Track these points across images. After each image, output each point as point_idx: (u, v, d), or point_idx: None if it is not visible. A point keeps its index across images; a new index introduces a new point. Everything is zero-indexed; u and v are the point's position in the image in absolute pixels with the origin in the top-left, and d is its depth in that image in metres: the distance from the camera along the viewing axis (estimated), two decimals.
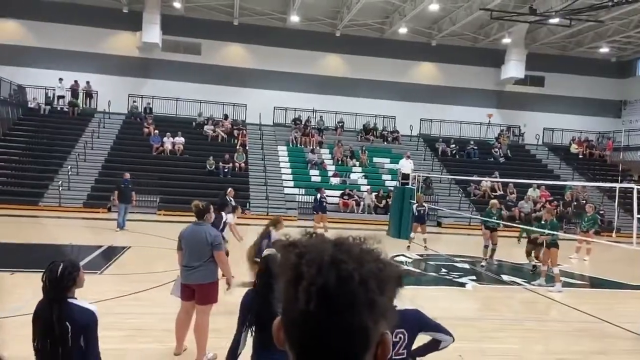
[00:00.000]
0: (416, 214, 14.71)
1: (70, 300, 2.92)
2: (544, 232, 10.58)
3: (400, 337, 2.92)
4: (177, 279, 5.73)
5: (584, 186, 23.68)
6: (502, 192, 23.74)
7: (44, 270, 2.95)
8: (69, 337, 2.84)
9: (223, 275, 5.67)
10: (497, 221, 12.78)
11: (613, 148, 28.60)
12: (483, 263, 12.45)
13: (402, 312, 2.98)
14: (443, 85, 28.93)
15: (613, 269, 13.00)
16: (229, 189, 12.91)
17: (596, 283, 11.73)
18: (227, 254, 9.02)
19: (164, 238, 12.28)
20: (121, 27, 26.05)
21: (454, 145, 27.05)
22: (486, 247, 12.75)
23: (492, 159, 26.84)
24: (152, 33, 25.32)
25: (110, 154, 22.34)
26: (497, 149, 27.34)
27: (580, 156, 28.22)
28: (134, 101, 25.76)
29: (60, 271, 2.87)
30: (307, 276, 0.75)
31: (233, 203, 11.83)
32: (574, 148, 28.59)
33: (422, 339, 3.15)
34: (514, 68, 28.27)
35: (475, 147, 27.05)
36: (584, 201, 23.81)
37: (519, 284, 10.97)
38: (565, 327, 7.86)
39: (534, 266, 11.99)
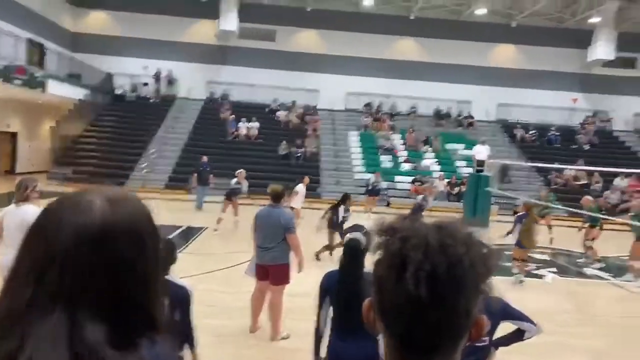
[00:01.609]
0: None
1: (166, 277, 3.11)
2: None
3: None
4: (252, 259, 5.93)
5: None
6: (586, 181, 22.37)
7: None
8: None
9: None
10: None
11: None
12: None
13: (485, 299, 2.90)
14: (523, 68, 27.53)
15: None
16: (240, 170, 12.99)
17: None
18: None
19: (240, 219, 12.68)
20: (200, 15, 26.96)
21: (533, 131, 25.75)
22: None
23: (575, 146, 25.30)
24: (230, 21, 26.00)
25: (190, 138, 23.33)
26: (581, 136, 25.73)
27: None
28: (212, 88, 26.66)
29: (162, 250, 3.04)
30: (413, 261, 0.74)
31: (245, 188, 12.08)
32: None
33: (505, 330, 3.06)
34: (602, 49, 26.32)
35: (558, 133, 25.60)
36: None
37: (604, 279, 10.36)
38: None
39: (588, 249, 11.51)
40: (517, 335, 3.07)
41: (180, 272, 7.40)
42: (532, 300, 7.74)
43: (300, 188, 12.75)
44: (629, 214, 10.68)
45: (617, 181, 21.74)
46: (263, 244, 5.61)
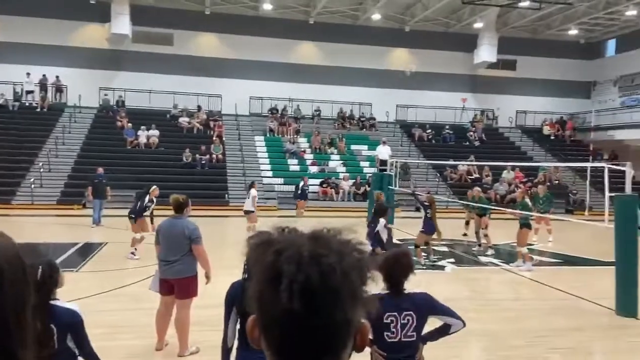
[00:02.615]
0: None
1: (52, 302, 2.83)
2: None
3: (408, 320, 2.95)
4: (156, 273, 5.69)
5: (556, 167, 24.16)
6: (477, 176, 24.07)
7: None
8: (55, 340, 2.78)
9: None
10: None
11: (580, 128, 29.35)
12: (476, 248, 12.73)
13: (411, 295, 3.01)
14: (417, 71, 29.00)
15: (586, 246, 13.31)
16: (154, 187, 11.82)
17: (570, 261, 12.01)
18: None
19: (142, 232, 12.11)
20: (89, 18, 25.42)
21: (429, 131, 27.25)
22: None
23: (467, 143, 27.14)
24: (121, 24, 24.76)
25: (83, 149, 21.90)
26: (472, 133, 27.65)
27: (552, 137, 28.75)
28: (105, 94, 25.24)
29: (40, 274, 2.74)
30: (287, 274, 0.73)
31: (154, 201, 11.65)
32: (546, 130, 29.10)
33: (433, 325, 3.17)
34: (486, 52, 28.50)
35: (451, 132, 27.30)
36: (557, 181, 24.34)
37: (496, 265, 11.19)
38: (542, 305, 8.04)
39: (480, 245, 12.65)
40: (443, 330, 3.16)
41: (79, 292, 6.94)
42: (434, 291, 8.18)
43: (254, 192, 13.18)
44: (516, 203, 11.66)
45: (505, 174, 23.64)
46: (166, 257, 5.39)
